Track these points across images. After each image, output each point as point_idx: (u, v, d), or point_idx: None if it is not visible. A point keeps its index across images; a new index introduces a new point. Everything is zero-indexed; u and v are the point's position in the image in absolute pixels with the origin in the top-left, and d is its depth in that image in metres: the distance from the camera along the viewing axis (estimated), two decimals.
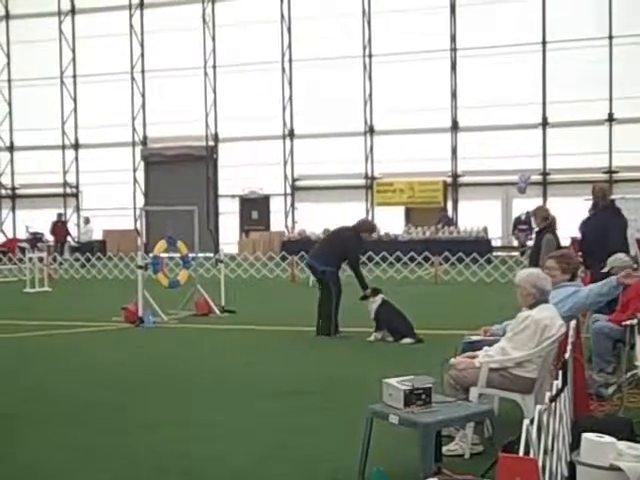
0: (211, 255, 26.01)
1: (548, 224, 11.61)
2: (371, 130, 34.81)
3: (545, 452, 4.13)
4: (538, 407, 4.09)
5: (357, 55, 34.55)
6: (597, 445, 4.25)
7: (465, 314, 14.26)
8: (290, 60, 35.63)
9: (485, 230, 29.74)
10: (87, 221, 33.43)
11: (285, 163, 35.95)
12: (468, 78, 33.32)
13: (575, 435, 5.07)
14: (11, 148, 39.73)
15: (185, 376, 9.74)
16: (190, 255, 16.62)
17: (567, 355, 5.69)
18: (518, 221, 30.04)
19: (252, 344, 12.33)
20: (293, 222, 35.73)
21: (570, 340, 6.21)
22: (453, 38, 33.52)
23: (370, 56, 34.63)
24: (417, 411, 5.37)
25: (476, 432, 6.20)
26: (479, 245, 27.40)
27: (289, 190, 36.12)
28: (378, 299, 12.35)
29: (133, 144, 37.97)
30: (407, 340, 11.84)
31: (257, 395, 8.58)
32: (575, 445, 4.66)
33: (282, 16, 35.43)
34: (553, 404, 4.49)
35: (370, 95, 34.64)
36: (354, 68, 34.51)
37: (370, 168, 34.96)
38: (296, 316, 15.05)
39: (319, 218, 32.00)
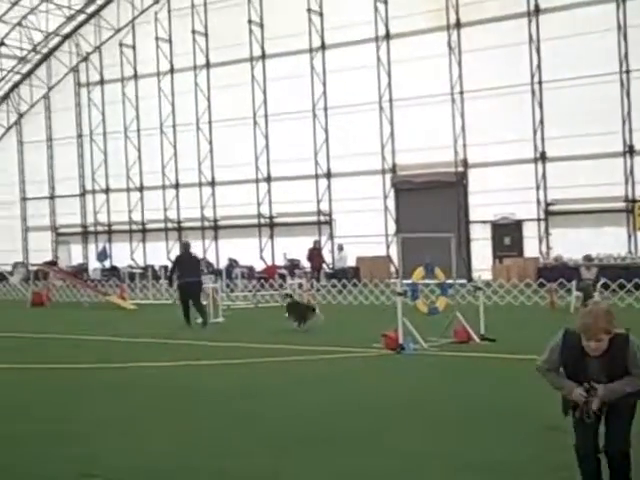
0: (464, 282, 25.72)
1: None
2: (630, 150, 33.04)
3: None
4: None
5: None
6: None
7: None
8: (540, 81, 34.76)
9: None
10: (341, 248, 34.34)
11: (537, 187, 34.93)
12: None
13: None
14: (268, 179, 41.63)
15: (450, 402, 9.58)
16: (447, 282, 16.50)
17: None
18: None
19: (511, 373, 11.82)
20: (547, 248, 34.58)
21: None
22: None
23: None
24: None
25: None
26: None
27: (542, 215, 35.05)
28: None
29: (383, 172, 38.53)
30: None
31: (516, 427, 8.26)
32: None
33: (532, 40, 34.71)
34: None
35: None
36: None
37: (631, 190, 33.11)
38: None
39: (575, 243, 30.82)
